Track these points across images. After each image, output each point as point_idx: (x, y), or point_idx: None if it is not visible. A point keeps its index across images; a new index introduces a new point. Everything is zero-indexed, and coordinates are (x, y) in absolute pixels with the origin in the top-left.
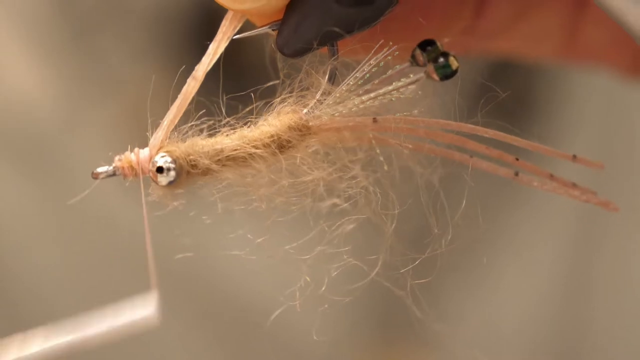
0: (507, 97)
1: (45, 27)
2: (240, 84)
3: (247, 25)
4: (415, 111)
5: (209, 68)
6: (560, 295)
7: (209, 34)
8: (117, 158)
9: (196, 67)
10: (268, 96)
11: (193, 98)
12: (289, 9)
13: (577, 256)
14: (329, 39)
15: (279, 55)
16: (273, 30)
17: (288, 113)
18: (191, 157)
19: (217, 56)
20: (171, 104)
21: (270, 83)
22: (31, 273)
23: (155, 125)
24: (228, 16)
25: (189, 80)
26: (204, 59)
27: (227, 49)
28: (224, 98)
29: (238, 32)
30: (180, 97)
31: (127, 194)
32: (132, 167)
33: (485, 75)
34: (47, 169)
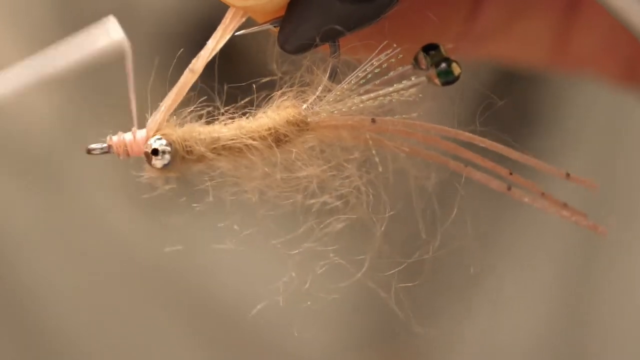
0: (508, 107)
1: (45, 33)
2: (242, 75)
3: (247, 21)
4: (415, 115)
5: (205, 63)
6: (557, 305)
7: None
8: (113, 137)
9: (193, 60)
10: (268, 89)
11: (194, 85)
12: (291, 5)
13: (576, 267)
14: (331, 36)
15: (279, 51)
16: (275, 26)
17: (287, 107)
18: (187, 142)
19: (216, 51)
20: (169, 89)
21: (271, 77)
22: (33, 280)
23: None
24: (229, 13)
25: (186, 72)
26: (202, 52)
27: (230, 42)
28: (225, 87)
29: (239, 29)
30: (177, 85)
31: (130, 202)
32: (126, 147)
33: (486, 84)
34: (48, 175)
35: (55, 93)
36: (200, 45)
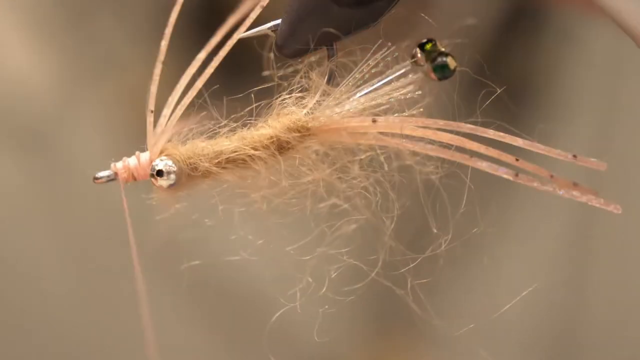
0: (504, 92)
1: (43, 8)
2: (240, 85)
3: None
4: (414, 111)
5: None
6: (558, 290)
7: (208, 17)
8: (117, 163)
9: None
10: (267, 97)
11: (193, 101)
12: (288, 10)
13: (575, 251)
14: (328, 40)
15: (277, 56)
16: (272, 31)
17: (287, 114)
18: (191, 159)
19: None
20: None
21: (269, 84)
22: (24, 259)
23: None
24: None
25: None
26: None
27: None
28: (224, 100)
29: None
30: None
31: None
32: (132, 172)
33: (481, 72)
34: (44, 151)
35: (51, 65)
36: (199, 26)
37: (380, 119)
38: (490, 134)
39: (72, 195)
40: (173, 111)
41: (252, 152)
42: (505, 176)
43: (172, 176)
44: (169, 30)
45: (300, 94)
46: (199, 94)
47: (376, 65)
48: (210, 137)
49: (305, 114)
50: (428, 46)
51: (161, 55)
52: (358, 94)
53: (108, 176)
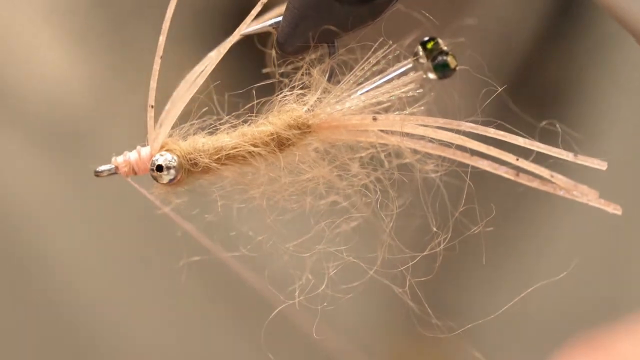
0: (505, 91)
1: (81, 13)
2: (241, 82)
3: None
4: (415, 109)
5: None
6: (556, 291)
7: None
8: (118, 158)
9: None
10: (268, 94)
11: (194, 97)
12: (290, 7)
13: (575, 251)
14: (329, 37)
15: (279, 53)
16: (274, 28)
17: (288, 111)
18: (191, 155)
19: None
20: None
21: (270, 81)
22: (57, 256)
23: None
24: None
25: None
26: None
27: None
28: (225, 96)
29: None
30: (179, 95)
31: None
32: (132, 166)
33: (485, 72)
34: (81, 153)
35: (89, 68)
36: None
37: (380, 117)
38: (491, 132)
39: (107, 195)
40: (175, 107)
41: (253, 148)
42: (505, 175)
43: (172, 171)
44: (166, 25)
45: (301, 91)
46: (201, 90)
47: (377, 63)
48: (211, 133)
49: (305, 111)
50: (430, 44)
51: (159, 50)
52: (359, 92)
53: (109, 170)
